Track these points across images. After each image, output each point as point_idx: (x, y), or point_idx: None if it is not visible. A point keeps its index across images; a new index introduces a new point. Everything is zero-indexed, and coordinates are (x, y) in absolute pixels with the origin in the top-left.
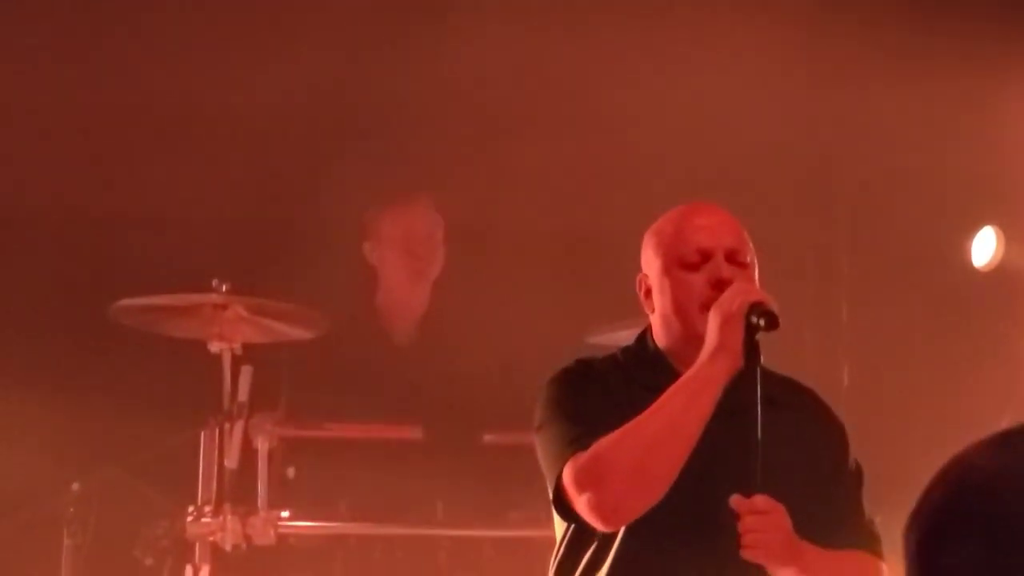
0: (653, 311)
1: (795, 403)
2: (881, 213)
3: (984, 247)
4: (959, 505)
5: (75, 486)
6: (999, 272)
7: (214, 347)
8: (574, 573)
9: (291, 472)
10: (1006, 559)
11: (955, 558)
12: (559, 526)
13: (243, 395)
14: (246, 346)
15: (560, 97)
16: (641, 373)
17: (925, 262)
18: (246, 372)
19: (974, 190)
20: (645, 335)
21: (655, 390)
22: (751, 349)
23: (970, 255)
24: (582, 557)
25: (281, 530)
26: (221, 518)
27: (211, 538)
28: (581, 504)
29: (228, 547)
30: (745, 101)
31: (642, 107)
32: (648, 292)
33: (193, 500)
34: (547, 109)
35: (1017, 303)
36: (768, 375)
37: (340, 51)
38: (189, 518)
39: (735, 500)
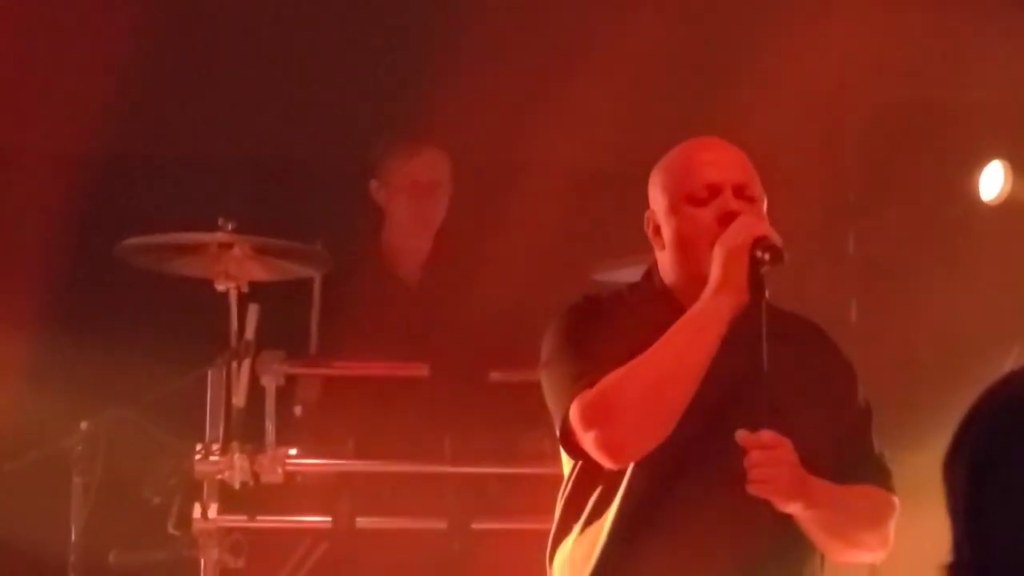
0: (662, 248)
1: (802, 338)
2: (888, 146)
3: (992, 181)
4: (1009, 432)
5: (83, 425)
6: (1007, 206)
7: (220, 286)
8: (582, 510)
9: (298, 410)
10: None
11: (1008, 485)
12: (567, 463)
13: (250, 333)
14: (252, 284)
15: (565, 30)
16: (648, 310)
17: (933, 196)
18: (252, 311)
19: (982, 123)
20: (651, 272)
21: (661, 326)
22: (756, 283)
23: (978, 189)
24: (590, 494)
25: (288, 468)
26: (229, 456)
27: (219, 476)
28: (588, 441)
29: (236, 485)
30: (752, 32)
31: (646, 38)
32: (656, 229)
33: (201, 438)
34: (553, 42)
35: None
36: (774, 310)
37: None
38: (197, 456)
39: (741, 435)
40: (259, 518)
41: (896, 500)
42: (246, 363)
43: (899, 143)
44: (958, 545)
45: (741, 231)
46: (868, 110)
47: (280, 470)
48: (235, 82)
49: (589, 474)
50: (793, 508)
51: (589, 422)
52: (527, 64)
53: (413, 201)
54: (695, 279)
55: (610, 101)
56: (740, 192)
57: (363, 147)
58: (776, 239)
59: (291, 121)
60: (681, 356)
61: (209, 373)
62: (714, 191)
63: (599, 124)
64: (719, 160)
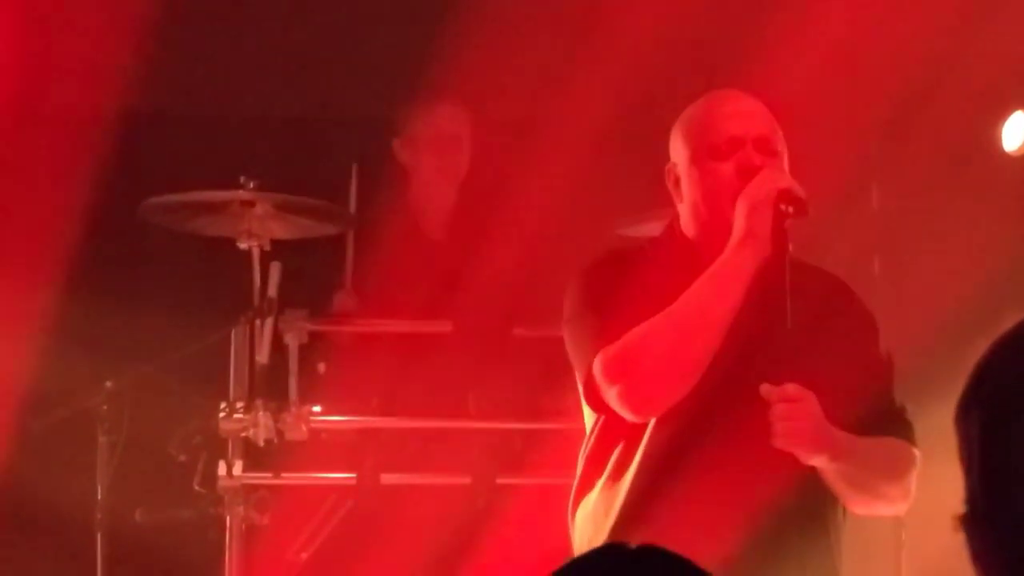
0: (682, 200)
1: (824, 291)
2: (911, 98)
3: (1015, 131)
4: (1022, 382)
5: (108, 384)
6: None
7: (243, 244)
8: (605, 465)
9: (322, 367)
10: None
11: (1022, 435)
12: (589, 418)
13: (273, 291)
14: (275, 242)
15: None
16: (670, 263)
17: (956, 147)
18: (275, 268)
19: (1005, 74)
20: (672, 225)
21: (684, 280)
22: (780, 236)
23: (1001, 139)
24: (612, 449)
25: (313, 425)
26: (253, 414)
27: (243, 434)
28: (611, 395)
29: (260, 442)
30: None
31: None
32: (676, 181)
33: (225, 396)
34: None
35: None
36: (797, 263)
37: None
38: (222, 414)
39: (765, 389)
40: (284, 475)
41: (917, 452)
42: (269, 321)
43: (921, 94)
44: (972, 496)
45: (765, 184)
46: (890, 61)
47: (304, 427)
48: (258, 40)
49: (611, 429)
50: (817, 461)
51: (612, 376)
52: (549, 18)
53: (436, 155)
54: (716, 231)
55: (633, 53)
56: (762, 145)
57: (385, 105)
58: (800, 192)
59: (313, 79)
60: (705, 310)
61: (233, 331)
62: (735, 144)
63: (622, 77)
64: (741, 112)
